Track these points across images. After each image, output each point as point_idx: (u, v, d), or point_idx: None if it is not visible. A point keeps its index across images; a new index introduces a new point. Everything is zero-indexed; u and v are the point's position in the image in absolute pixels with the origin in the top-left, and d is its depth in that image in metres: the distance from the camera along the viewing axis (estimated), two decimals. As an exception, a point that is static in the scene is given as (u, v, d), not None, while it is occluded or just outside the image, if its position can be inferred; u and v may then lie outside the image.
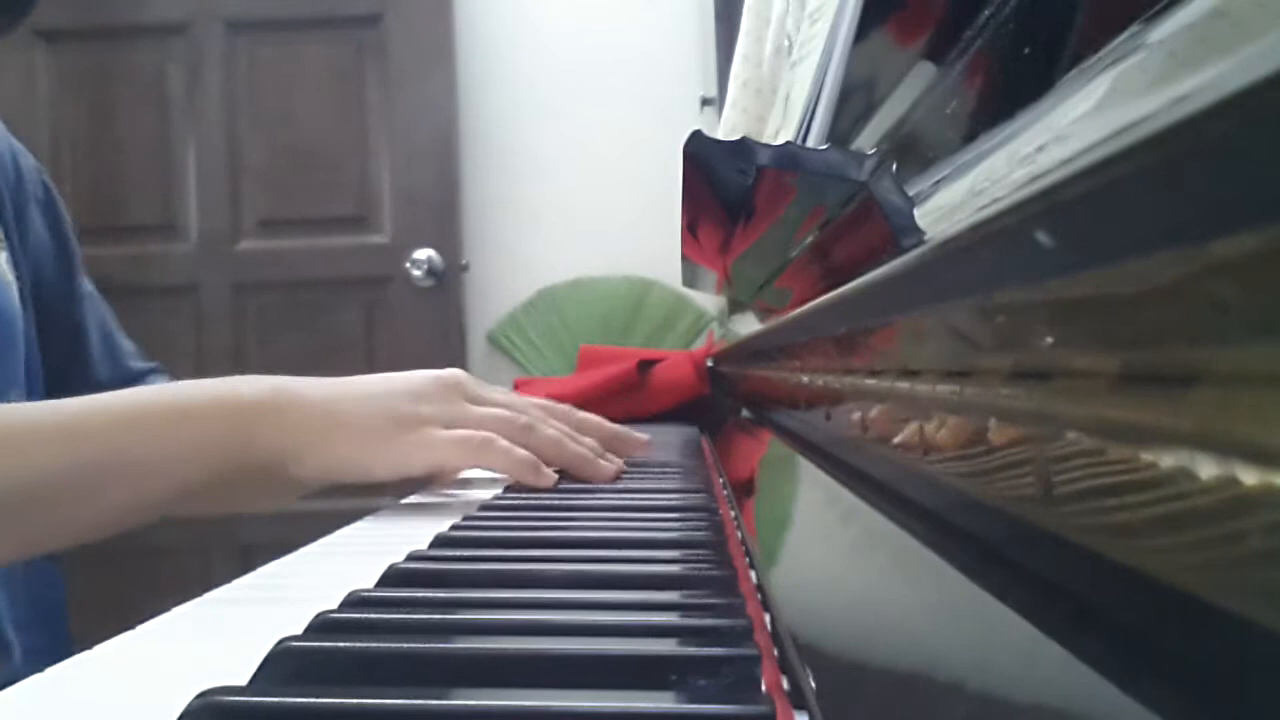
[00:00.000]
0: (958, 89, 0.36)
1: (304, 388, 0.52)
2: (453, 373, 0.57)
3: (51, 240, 0.73)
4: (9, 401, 0.61)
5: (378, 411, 0.52)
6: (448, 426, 0.53)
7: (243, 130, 2.03)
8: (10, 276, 0.68)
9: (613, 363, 1.26)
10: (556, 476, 0.55)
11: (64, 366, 0.72)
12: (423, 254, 1.97)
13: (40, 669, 0.26)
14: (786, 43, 0.67)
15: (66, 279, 0.74)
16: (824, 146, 0.32)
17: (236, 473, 0.50)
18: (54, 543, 0.51)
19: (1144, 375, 0.12)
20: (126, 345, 0.78)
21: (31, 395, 0.67)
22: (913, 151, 0.39)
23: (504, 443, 0.53)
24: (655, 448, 0.78)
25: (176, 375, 0.63)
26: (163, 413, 0.50)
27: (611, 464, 0.58)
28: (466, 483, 0.69)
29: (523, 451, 0.54)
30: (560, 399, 1.20)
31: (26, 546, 0.51)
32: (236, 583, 0.37)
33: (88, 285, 0.76)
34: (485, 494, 0.59)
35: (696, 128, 0.37)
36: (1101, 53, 0.20)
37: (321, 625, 0.27)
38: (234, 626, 0.31)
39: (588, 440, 0.60)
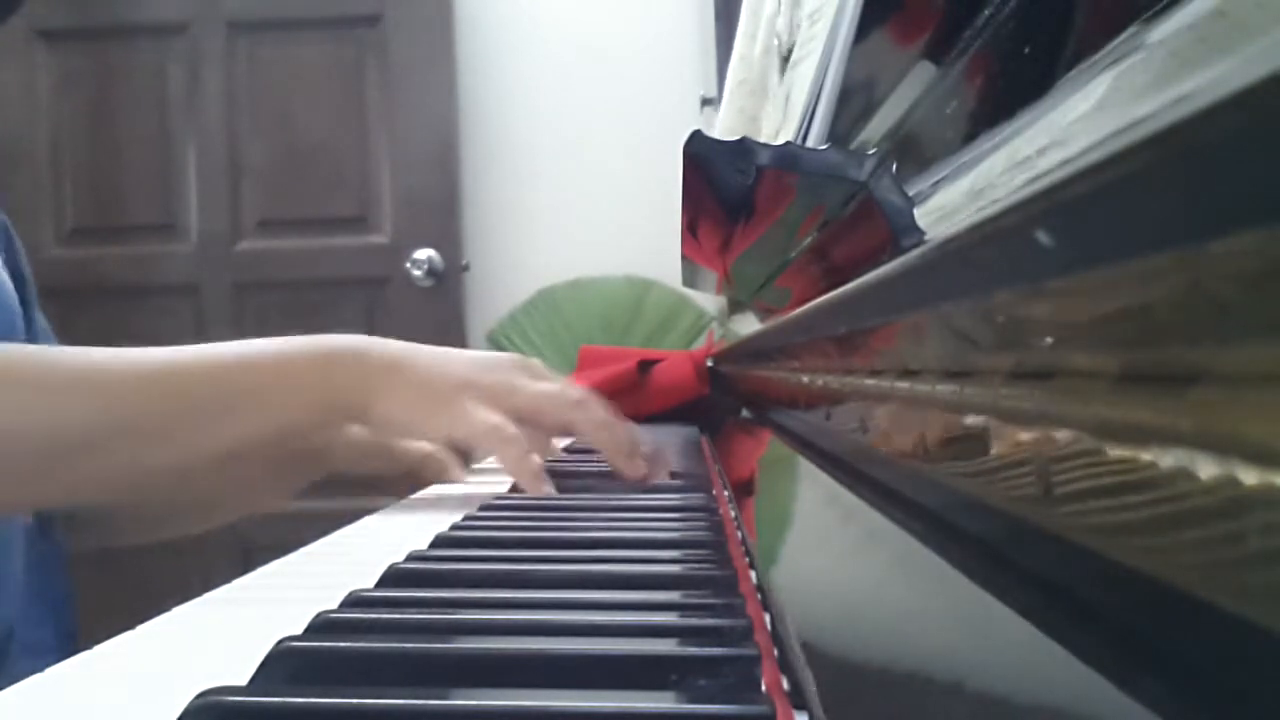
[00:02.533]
0: (958, 89, 0.36)
1: (381, 345, 0.58)
2: (521, 358, 0.63)
3: (7, 271, 0.73)
4: None
5: (442, 373, 0.57)
6: (504, 398, 0.57)
7: (243, 130, 2.03)
8: (6, 277, 0.68)
9: (613, 363, 1.26)
10: (553, 490, 0.57)
11: None
12: (423, 254, 1.97)
13: (44, 666, 0.26)
14: (776, 42, 0.67)
15: (23, 310, 0.74)
16: (824, 146, 0.32)
17: (319, 414, 0.55)
18: (164, 478, 0.55)
19: (1144, 375, 0.12)
20: None
21: None
22: (913, 151, 0.39)
23: (520, 449, 0.56)
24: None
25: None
26: (263, 358, 0.55)
27: (643, 466, 0.60)
28: (467, 482, 0.69)
29: (533, 461, 0.56)
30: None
31: (138, 481, 0.54)
32: (236, 583, 0.37)
33: (42, 320, 0.76)
34: (485, 493, 0.59)
35: (696, 128, 0.37)
36: (1101, 53, 0.20)
37: (321, 625, 0.27)
38: (234, 626, 0.31)
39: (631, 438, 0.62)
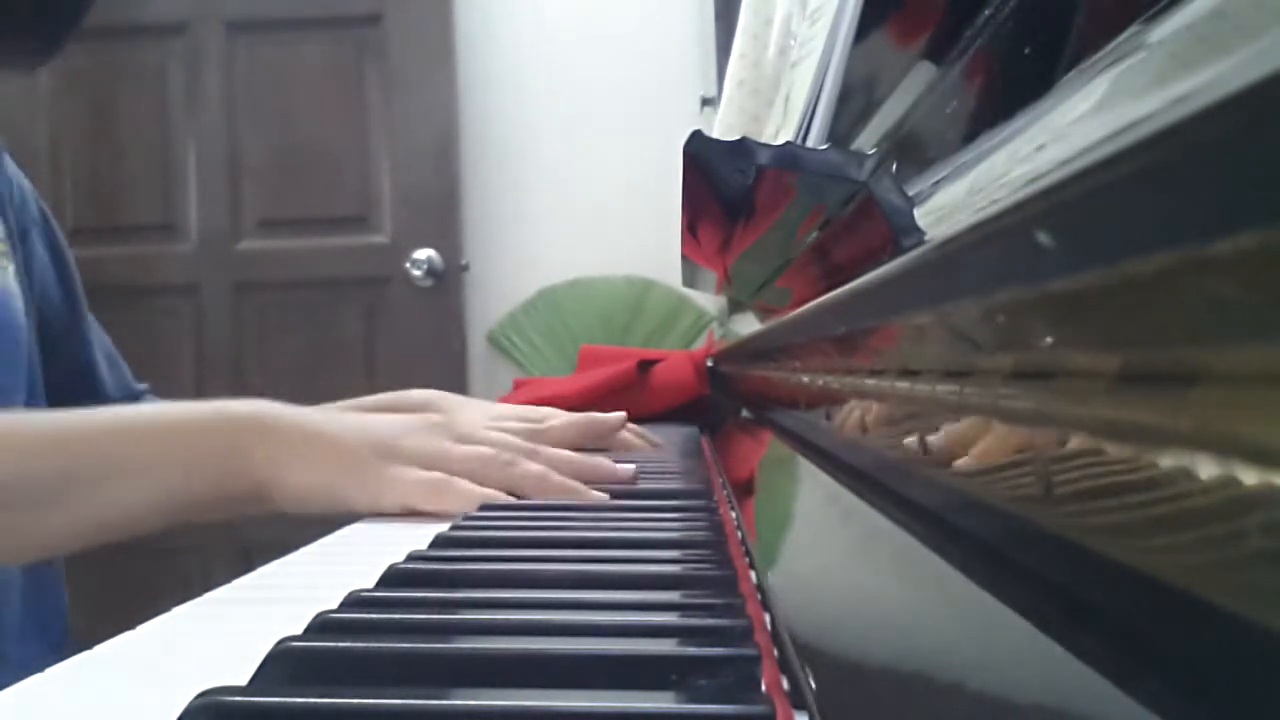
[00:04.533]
0: (958, 89, 0.36)
1: (290, 412, 0.53)
2: (441, 417, 0.58)
3: (52, 264, 0.74)
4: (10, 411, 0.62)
5: (358, 440, 0.53)
6: (428, 466, 0.53)
7: (243, 130, 2.03)
8: (16, 289, 0.68)
9: (613, 363, 1.26)
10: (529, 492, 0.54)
11: (72, 389, 0.73)
12: (423, 254, 1.97)
13: (36, 671, 0.26)
14: (792, 43, 0.67)
15: (70, 303, 0.75)
16: (824, 146, 0.32)
17: (220, 490, 0.51)
18: (41, 549, 0.53)
19: (1144, 375, 0.12)
20: (124, 365, 0.80)
21: (32, 407, 0.68)
22: (913, 151, 0.39)
23: (463, 484, 0.52)
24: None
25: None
26: (154, 426, 0.51)
27: (599, 492, 0.56)
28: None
29: (481, 490, 0.53)
30: (560, 399, 1.19)
31: (13, 550, 0.52)
32: (236, 583, 0.37)
33: (88, 311, 0.77)
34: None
35: (696, 128, 0.37)
36: (1101, 53, 0.20)
37: (321, 625, 0.27)
38: (234, 626, 0.31)
39: (572, 465, 0.58)
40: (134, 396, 0.79)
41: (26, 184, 0.74)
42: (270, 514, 0.57)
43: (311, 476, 0.51)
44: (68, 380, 0.73)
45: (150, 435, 0.51)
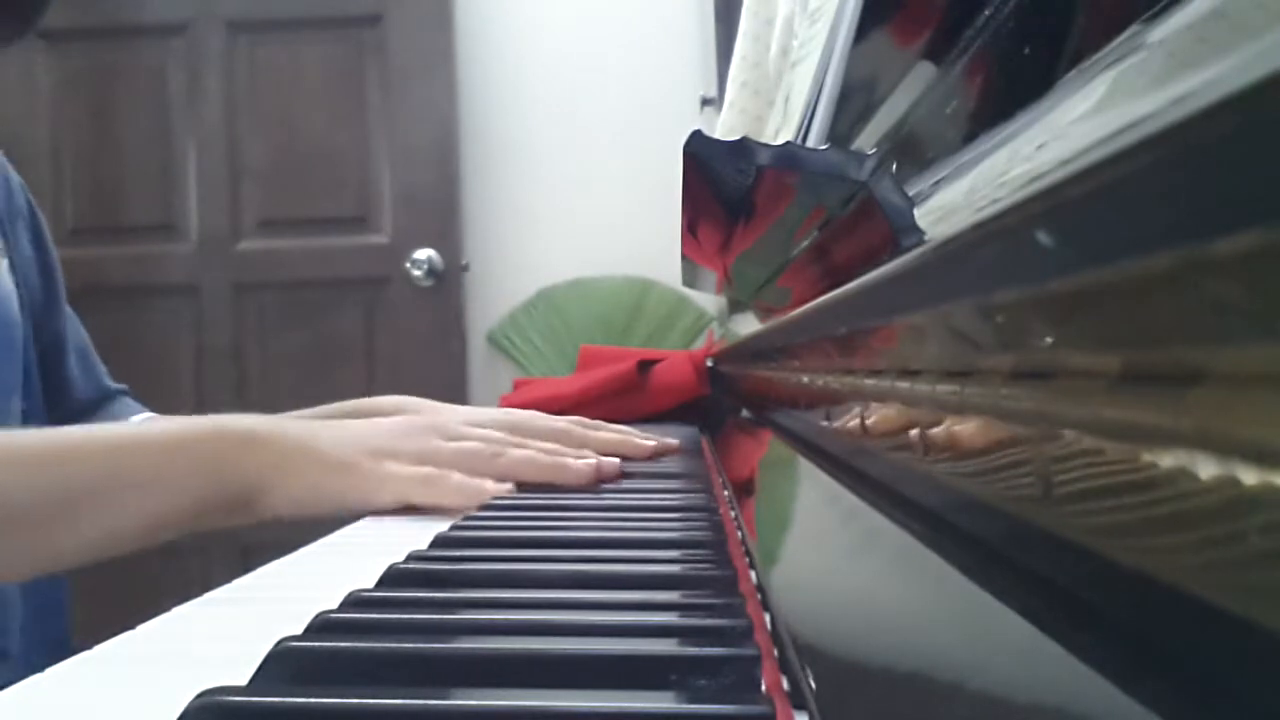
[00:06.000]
0: (958, 89, 0.36)
1: (283, 425, 0.55)
2: (425, 419, 0.60)
3: (36, 255, 0.74)
4: (9, 407, 0.62)
5: (350, 444, 0.55)
6: (419, 463, 0.55)
7: (243, 130, 2.03)
8: (10, 285, 0.68)
9: (613, 363, 1.26)
10: (505, 487, 0.55)
11: (44, 379, 0.73)
12: (423, 254, 1.97)
13: (37, 669, 0.26)
14: (795, 42, 0.67)
15: (50, 295, 0.75)
16: (824, 146, 0.32)
17: (214, 502, 0.52)
18: (43, 565, 0.53)
19: (1144, 375, 0.12)
20: (100, 365, 0.80)
21: (29, 402, 0.68)
22: (913, 151, 0.39)
23: (456, 478, 0.54)
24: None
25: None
26: (150, 442, 0.53)
27: (588, 462, 0.59)
28: None
29: (474, 482, 0.54)
30: (560, 399, 1.19)
31: (14, 569, 0.53)
32: (236, 583, 0.37)
33: (67, 305, 0.77)
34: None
35: (696, 128, 0.37)
36: (1101, 53, 0.20)
37: (321, 625, 0.27)
38: (234, 626, 0.31)
39: (568, 449, 0.61)
40: (107, 395, 0.79)
41: (15, 176, 0.74)
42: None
43: (305, 482, 0.53)
44: (41, 372, 0.73)
45: (147, 450, 0.52)
